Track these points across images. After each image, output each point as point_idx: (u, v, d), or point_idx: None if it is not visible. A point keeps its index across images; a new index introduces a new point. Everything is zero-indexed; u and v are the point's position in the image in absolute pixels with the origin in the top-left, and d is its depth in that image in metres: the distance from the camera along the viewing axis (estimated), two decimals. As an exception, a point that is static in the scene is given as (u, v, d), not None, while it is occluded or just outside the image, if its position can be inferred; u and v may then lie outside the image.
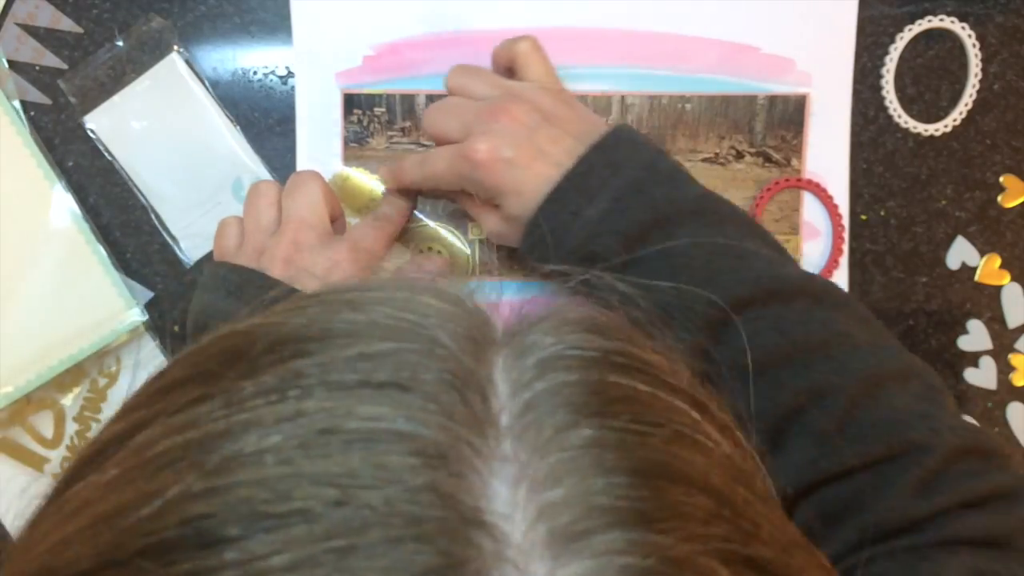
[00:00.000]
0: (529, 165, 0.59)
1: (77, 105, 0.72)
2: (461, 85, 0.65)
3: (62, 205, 0.71)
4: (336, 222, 0.68)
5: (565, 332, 0.32)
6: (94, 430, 0.73)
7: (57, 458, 0.73)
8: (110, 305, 0.71)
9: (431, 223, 0.73)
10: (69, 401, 0.73)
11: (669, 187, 0.59)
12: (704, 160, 0.74)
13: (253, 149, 0.73)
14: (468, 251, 0.73)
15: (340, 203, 0.69)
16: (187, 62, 0.73)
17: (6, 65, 0.71)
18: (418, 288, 0.33)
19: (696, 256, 0.56)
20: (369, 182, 0.73)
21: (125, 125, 0.73)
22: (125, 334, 0.71)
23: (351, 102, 0.73)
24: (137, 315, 0.71)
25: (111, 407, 0.73)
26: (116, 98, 0.73)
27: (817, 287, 0.57)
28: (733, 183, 0.74)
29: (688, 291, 0.53)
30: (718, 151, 0.74)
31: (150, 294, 0.73)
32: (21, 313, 0.70)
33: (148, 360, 0.73)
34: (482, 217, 0.64)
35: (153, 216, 0.73)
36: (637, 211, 0.57)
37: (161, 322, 0.74)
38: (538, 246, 0.59)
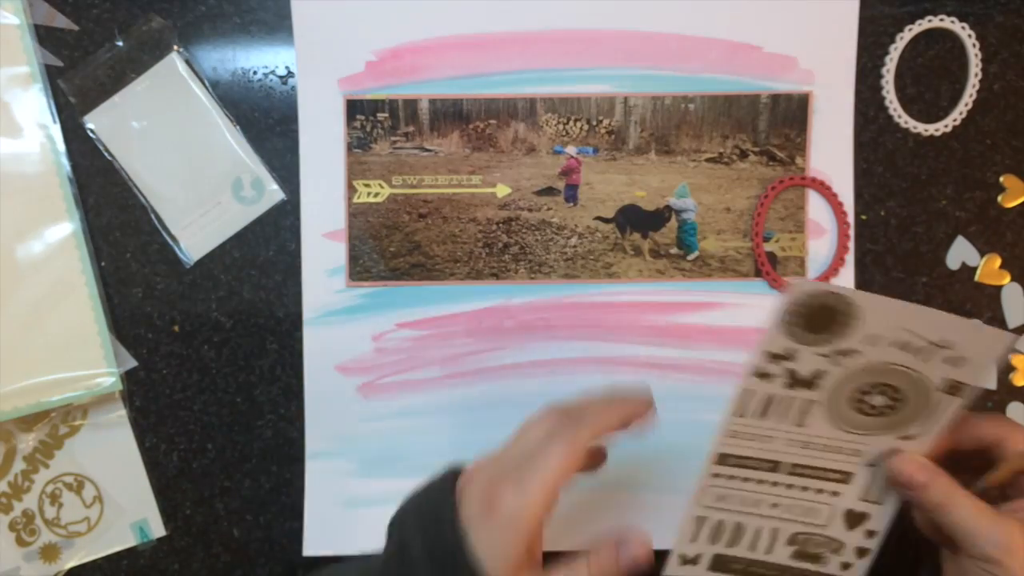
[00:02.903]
0: None
1: (77, 105, 0.72)
2: None
3: (74, 254, 0.72)
4: None
5: None
6: (41, 474, 0.73)
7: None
8: (93, 364, 0.71)
9: None
10: (25, 440, 0.73)
11: None
12: (708, 160, 0.74)
13: (253, 149, 0.73)
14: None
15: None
16: (187, 62, 0.73)
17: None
18: None
19: None
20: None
21: (125, 125, 0.73)
22: (97, 396, 0.72)
23: (354, 108, 0.73)
24: (114, 382, 0.71)
25: (65, 457, 0.73)
26: (116, 98, 0.73)
27: None
28: (738, 182, 0.74)
29: None
30: (722, 150, 0.74)
31: (134, 363, 0.73)
32: (7, 347, 0.70)
33: (113, 425, 0.73)
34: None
35: (153, 216, 0.73)
36: None
37: (135, 391, 0.74)
38: None
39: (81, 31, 0.73)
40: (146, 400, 0.74)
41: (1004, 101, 0.74)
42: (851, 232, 0.73)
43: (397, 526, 0.55)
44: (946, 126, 0.74)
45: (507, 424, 0.68)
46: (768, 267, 0.73)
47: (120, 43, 0.73)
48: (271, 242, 0.74)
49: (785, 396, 0.57)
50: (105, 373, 0.71)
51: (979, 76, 0.74)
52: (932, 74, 0.74)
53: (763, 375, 0.57)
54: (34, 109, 0.72)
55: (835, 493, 0.61)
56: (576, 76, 0.73)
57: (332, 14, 0.73)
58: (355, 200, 0.74)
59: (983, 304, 0.74)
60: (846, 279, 0.74)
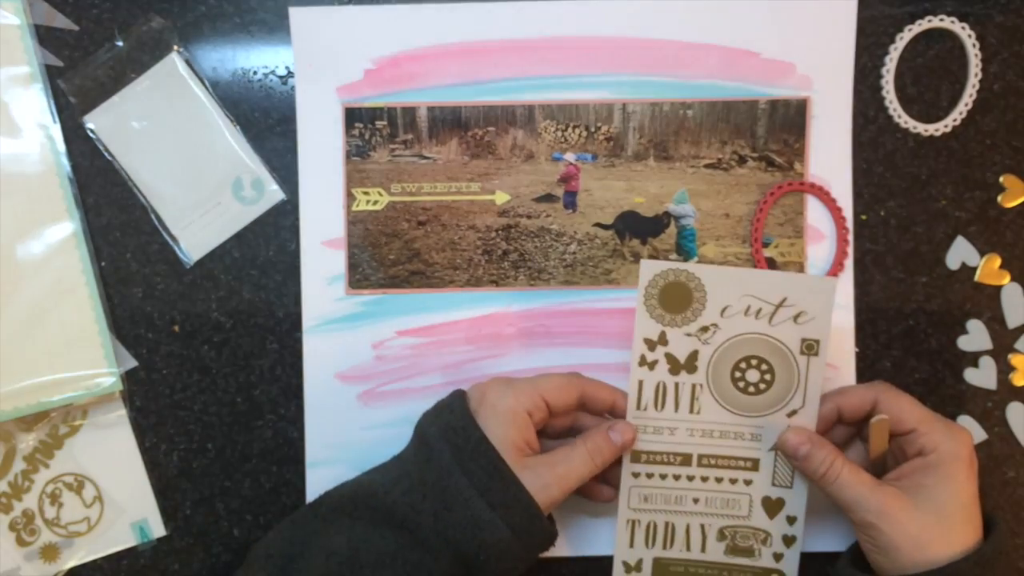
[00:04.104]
0: (963, 522, 0.62)
1: (77, 105, 0.72)
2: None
3: (74, 254, 0.72)
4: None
5: None
6: (41, 473, 0.73)
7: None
8: (93, 364, 0.71)
9: None
10: (25, 440, 0.73)
11: None
12: (707, 166, 0.74)
13: (253, 149, 0.73)
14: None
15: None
16: (187, 62, 0.73)
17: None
18: None
19: None
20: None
21: (125, 125, 0.73)
22: (97, 396, 0.72)
23: (352, 116, 0.73)
24: (114, 382, 0.72)
25: (65, 457, 0.73)
26: (116, 98, 0.73)
27: None
28: (736, 188, 0.74)
29: None
30: (721, 156, 0.74)
31: (134, 363, 0.73)
32: (7, 347, 0.70)
33: (113, 425, 0.73)
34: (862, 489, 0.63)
35: (153, 216, 0.73)
36: None
37: (135, 391, 0.74)
38: None
39: (81, 31, 0.73)
40: (146, 400, 0.74)
41: (1004, 101, 0.74)
42: (850, 237, 0.73)
43: (416, 430, 0.66)
44: (946, 126, 0.74)
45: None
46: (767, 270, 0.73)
47: (120, 43, 0.73)
48: (271, 242, 0.74)
49: (673, 383, 0.64)
50: (105, 373, 0.71)
51: (979, 76, 0.74)
52: (932, 74, 0.74)
53: (646, 363, 0.65)
54: (34, 109, 0.72)
55: (748, 482, 0.67)
56: (574, 83, 0.73)
57: (330, 23, 0.73)
58: (354, 208, 0.74)
59: (983, 304, 0.74)
60: (845, 282, 0.74)
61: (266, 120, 0.74)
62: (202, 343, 0.74)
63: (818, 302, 0.63)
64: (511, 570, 0.63)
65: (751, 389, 0.64)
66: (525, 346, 0.73)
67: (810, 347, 0.64)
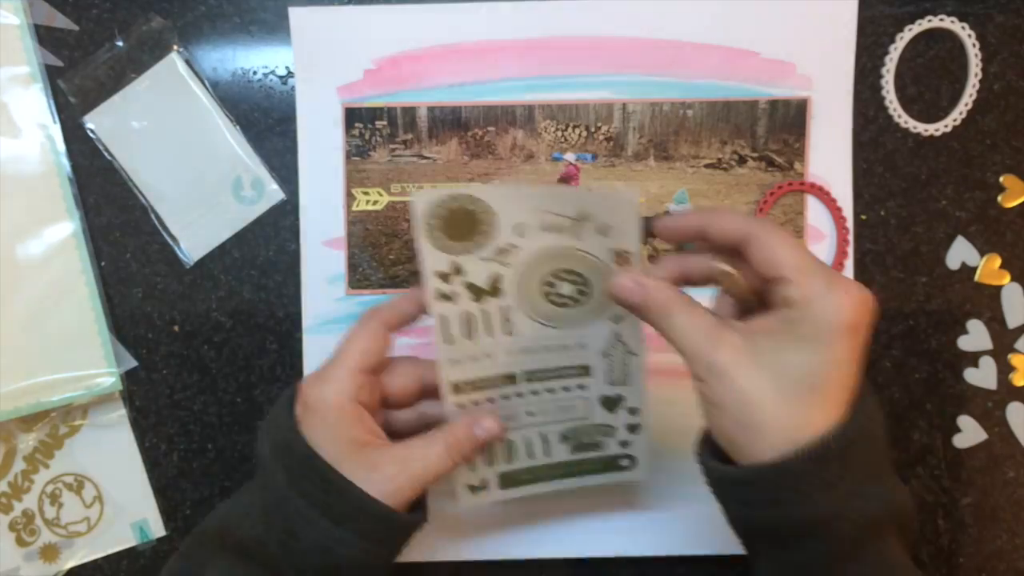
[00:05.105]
0: (823, 395, 0.49)
1: (77, 105, 0.72)
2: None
3: (74, 254, 0.72)
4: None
5: None
6: (41, 474, 0.73)
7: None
8: (93, 364, 0.71)
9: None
10: (25, 440, 0.73)
11: (893, 475, 0.52)
12: (707, 166, 0.74)
13: (253, 149, 0.73)
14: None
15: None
16: (187, 62, 0.73)
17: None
18: None
19: (900, 572, 0.50)
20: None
21: (125, 125, 0.73)
22: (97, 396, 0.72)
23: (352, 116, 0.73)
24: (114, 382, 0.72)
25: (65, 457, 0.73)
26: (116, 98, 0.73)
27: None
28: (736, 188, 0.74)
29: None
30: (720, 156, 0.74)
31: (134, 363, 0.73)
32: (7, 347, 0.70)
33: (113, 425, 0.73)
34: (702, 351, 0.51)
35: (153, 216, 0.73)
36: (877, 503, 0.49)
37: (135, 391, 0.74)
38: (762, 492, 0.49)
39: (81, 31, 0.73)
40: (146, 400, 0.74)
41: (1004, 101, 0.74)
42: (850, 237, 0.73)
43: (256, 448, 0.60)
44: (946, 126, 0.74)
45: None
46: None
47: (120, 43, 0.73)
48: (271, 242, 0.74)
49: (479, 310, 0.59)
50: (105, 373, 0.71)
51: (979, 76, 0.74)
52: (932, 74, 0.74)
53: (446, 296, 0.58)
54: (34, 109, 0.72)
55: (581, 386, 0.63)
56: (574, 83, 0.73)
57: (330, 23, 0.73)
58: (354, 208, 0.73)
59: (983, 304, 0.74)
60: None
61: (266, 120, 0.74)
62: (202, 343, 0.74)
63: (622, 214, 0.56)
64: (382, 570, 0.59)
65: (568, 302, 0.59)
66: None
67: (624, 258, 0.57)
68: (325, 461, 0.55)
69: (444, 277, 0.58)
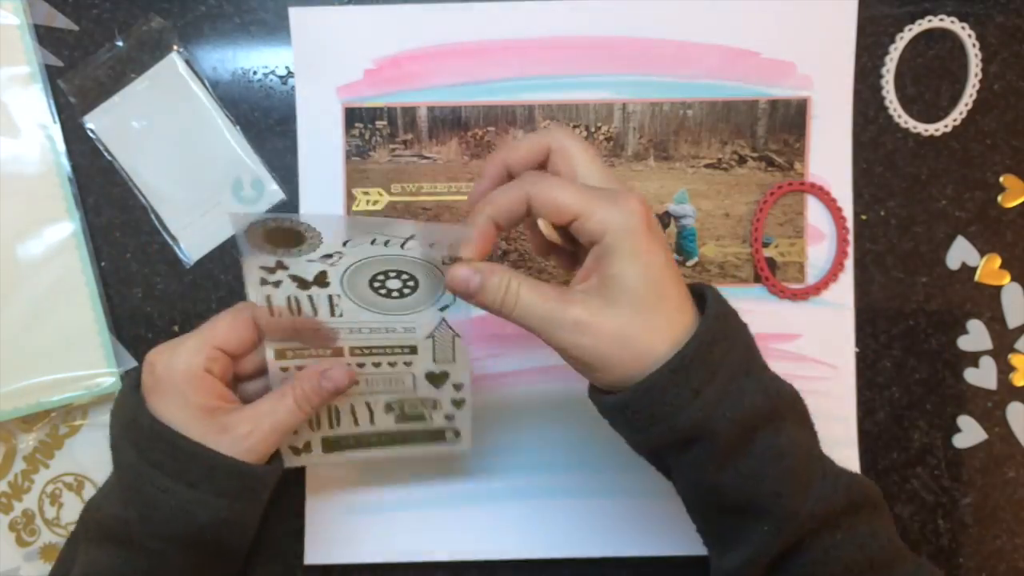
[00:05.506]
0: (665, 299, 0.52)
1: (77, 105, 0.72)
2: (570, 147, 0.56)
3: (74, 254, 0.72)
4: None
5: None
6: (41, 474, 0.73)
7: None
8: (93, 364, 0.71)
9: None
10: (25, 440, 0.73)
11: (766, 369, 0.55)
12: (707, 166, 0.74)
13: (253, 149, 0.73)
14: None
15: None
16: (187, 62, 0.73)
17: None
18: None
19: (796, 457, 0.53)
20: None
21: (125, 125, 0.73)
22: (97, 396, 0.72)
23: (352, 116, 0.73)
24: (114, 382, 0.72)
25: (65, 457, 0.73)
26: (116, 98, 0.73)
27: (871, 492, 0.56)
28: (736, 188, 0.74)
29: (785, 498, 0.52)
30: (720, 156, 0.74)
31: (134, 362, 0.73)
32: (7, 347, 0.70)
33: None
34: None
35: (153, 216, 0.73)
36: (751, 396, 0.52)
37: None
38: (640, 411, 0.52)
39: (81, 31, 0.73)
40: (146, 400, 0.74)
41: (1004, 101, 0.74)
42: (850, 237, 0.73)
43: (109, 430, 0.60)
44: (946, 126, 0.74)
45: (509, 429, 0.69)
46: (767, 273, 0.73)
47: (120, 43, 0.73)
48: (271, 242, 0.74)
49: (305, 295, 0.59)
50: (105, 373, 0.71)
51: (979, 76, 0.74)
52: (932, 74, 0.74)
53: (269, 283, 0.58)
54: (34, 109, 0.72)
55: (408, 364, 0.64)
56: (574, 83, 0.73)
57: (330, 23, 0.73)
58: (354, 208, 0.73)
59: (983, 304, 0.74)
60: (845, 283, 0.74)
61: (266, 120, 0.74)
62: (202, 343, 0.74)
63: (455, 236, 0.56)
64: (250, 522, 0.61)
65: (394, 294, 0.60)
66: (525, 346, 0.73)
67: (454, 259, 0.57)
68: (172, 429, 0.56)
69: (269, 270, 0.57)
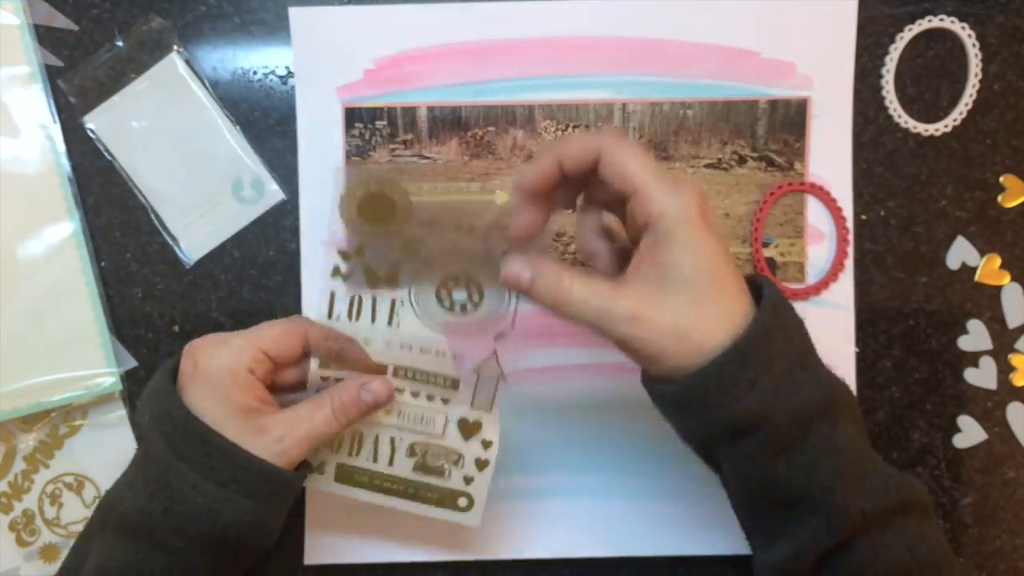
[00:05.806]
0: (721, 290, 0.52)
1: (77, 105, 0.72)
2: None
3: (74, 254, 0.72)
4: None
5: None
6: (41, 474, 0.73)
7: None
8: (93, 364, 0.71)
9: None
10: (25, 440, 0.73)
11: (821, 363, 0.54)
12: (707, 166, 0.74)
13: (253, 149, 0.73)
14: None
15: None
16: (187, 62, 0.73)
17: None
18: None
19: (848, 453, 0.52)
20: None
21: (125, 125, 0.73)
22: (97, 396, 0.72)
23: (352, 116, 0.73)
24: (114, 382, 0.72)
25: (65, 457, 0.73)
26: (116, 98, 0.73)
27: (921, 494, 0.56)
28: (736, 188, 0.74)
29: (836, 493, 0.51)
30: (721, 156, 0.74)
31: (134, 363, 0.73)
32: (7, 347, 0.71)
33: (113, 425, 0.73)
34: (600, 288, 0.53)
35: (153, 216, 0.73)
36: (807, 388, 0.51)
37: (135, 391, 0.73)
38: (696, 401, 0.52)
39: (81, 31, 0.73)
40: (146, 400, 0.74)
41: (1004, 101, 0.74)
42: (850, 237, 0.73)
43: (136, 422, 0.60)
44: (946, 126, 0.74)
45: (509, 430, 0.69)
46: (767, 272, 0.73)
47: (120, 43, 0.73)
48: (271, 242, 0.74)
49: (370, 296, 0.60)
50: (105, 373, 0.71)
51: (979, 76, 0.74)
52: (932, 74, 0.74)
53: (340, 274, 0.60)
54: (34, 109, 0.72)
55: (445, 400, 0.64)
56: (574, 83, 0.73)
57: (330, 23, 0.73)
58: (355, 205, 0.74)
59: (983, 304, 0.74)
60: (845, 283, 0.74)
61: (266, 120, 0.74)
62: (202, 343, 0.74)
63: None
64: (273, 526, 0.60)
65: (457, 309, 0.61)
66: (525, 346, 0.73)
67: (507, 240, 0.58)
68: (206, 425, 0.56)
69: (346, 256, 0.59)
